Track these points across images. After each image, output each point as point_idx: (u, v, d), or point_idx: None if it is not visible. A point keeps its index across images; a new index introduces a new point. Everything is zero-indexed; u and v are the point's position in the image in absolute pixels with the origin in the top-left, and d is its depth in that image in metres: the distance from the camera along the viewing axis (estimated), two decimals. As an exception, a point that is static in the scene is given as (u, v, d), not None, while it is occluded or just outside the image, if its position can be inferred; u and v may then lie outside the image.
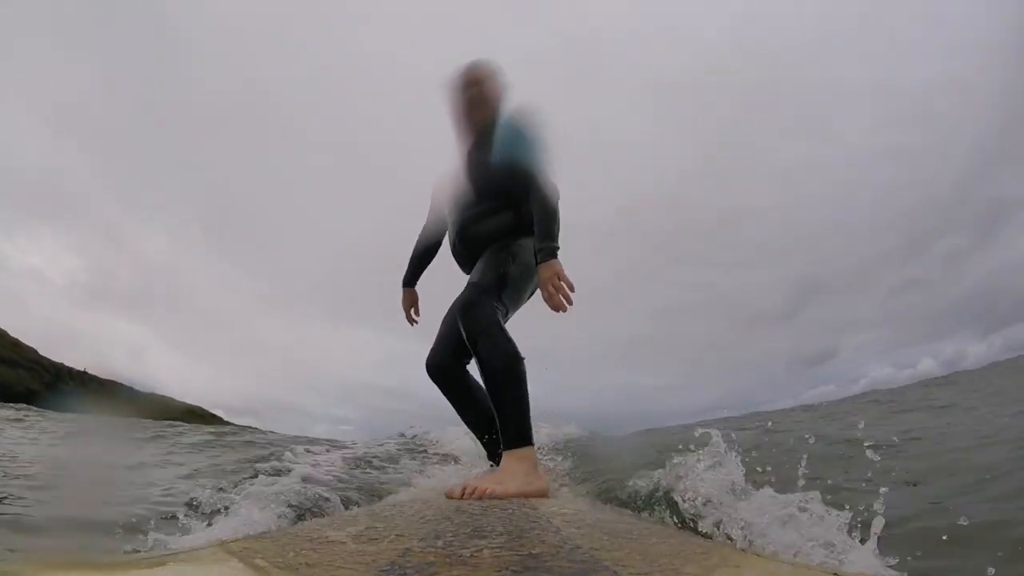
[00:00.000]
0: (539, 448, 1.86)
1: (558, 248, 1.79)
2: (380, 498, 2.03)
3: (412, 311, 2.37)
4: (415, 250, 2.37)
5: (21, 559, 1.01)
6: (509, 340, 1.76)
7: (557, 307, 1.77)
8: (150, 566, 0.65)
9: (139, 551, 1.06)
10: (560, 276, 1.75)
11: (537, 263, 1.80)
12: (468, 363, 2.11)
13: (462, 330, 1.80)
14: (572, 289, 1.75)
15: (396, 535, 0.81)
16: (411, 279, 2.38)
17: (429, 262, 2.39)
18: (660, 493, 1.67)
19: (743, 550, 0.94)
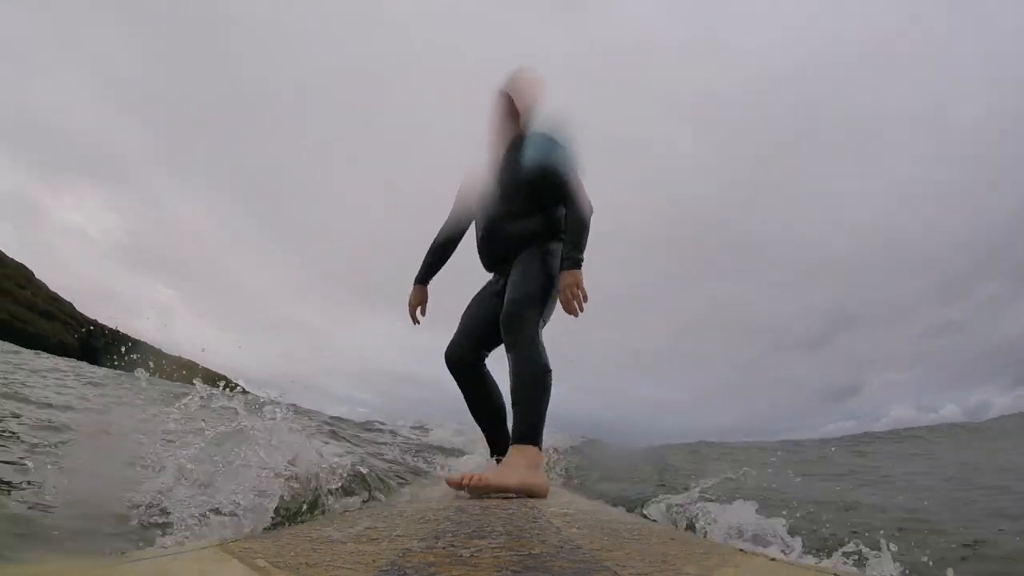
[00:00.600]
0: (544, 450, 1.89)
1: (583, 260, 1.92)
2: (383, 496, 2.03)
3: (419, 310, 2.30)
4: (432, 247, 2.32)
5: (23, 548, 1.01)
6: (542, 353, 1.87)
7: (571, 312, 1.92)
8: (150, 566, 0.65)
9: (139, 550, 1.06)
10: (579, 285, 1.89)
11: (562, 269, 1.92)
12: (487, 357, 2.14)
13: (504, 341, 1.90)
14: (586, 299, 1.90)
15: (396, 535, 0.81)
16: (424, 276, 2.32)
17: (446, 260, 2.34)
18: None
19: (743, 550, 0.94)
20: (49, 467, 1.52)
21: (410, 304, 2.31)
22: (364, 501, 1.91)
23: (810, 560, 1.49)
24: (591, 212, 1.96)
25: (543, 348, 1.88)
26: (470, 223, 2.28)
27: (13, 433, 2.07)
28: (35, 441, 1.97)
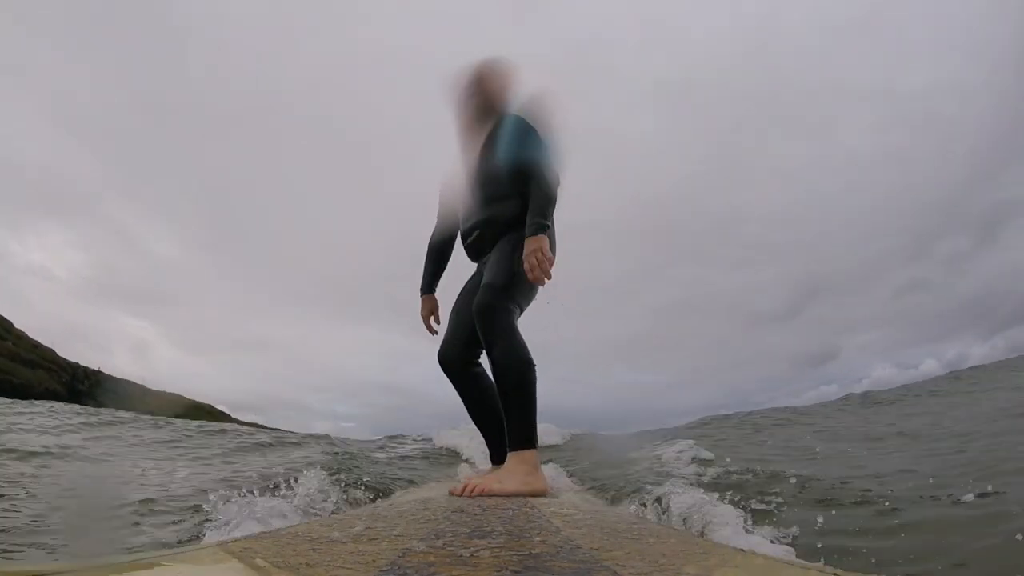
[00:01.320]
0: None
1: (547, 226, 1.85)
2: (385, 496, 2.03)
3: (432, 319, 2.29)
4: (428, 255, 2.31)
5: (24, 548, 1.01)
6: (522, 346, 1.83)
7: (536, 279, 1.82)
8: (150, 566, 0.65)
9: (139, 550, 1.06)
10: (543, 251, 1.80)
11: (526, 236, 1.84)
12: (480, 356, 2.12)
13: (479, 333, 1.86)
14: (551, 264, 1.82)
15: (396, 535, 0.81)
16: (429, 286, 2.31)
17: (444, 266, 2.33)
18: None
19: (743, 550, 0.94)
20: (50, 479, 1.53)
21: (422, 316, 2.29)
22: (371, 500, 1.93)
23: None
24: (558, 184, 1.92)
25: (521, 340, 1.84)
26: (456, 221, 2.25)
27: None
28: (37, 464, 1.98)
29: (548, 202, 1.87)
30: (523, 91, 2.09)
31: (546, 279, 1.82)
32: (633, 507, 2.04)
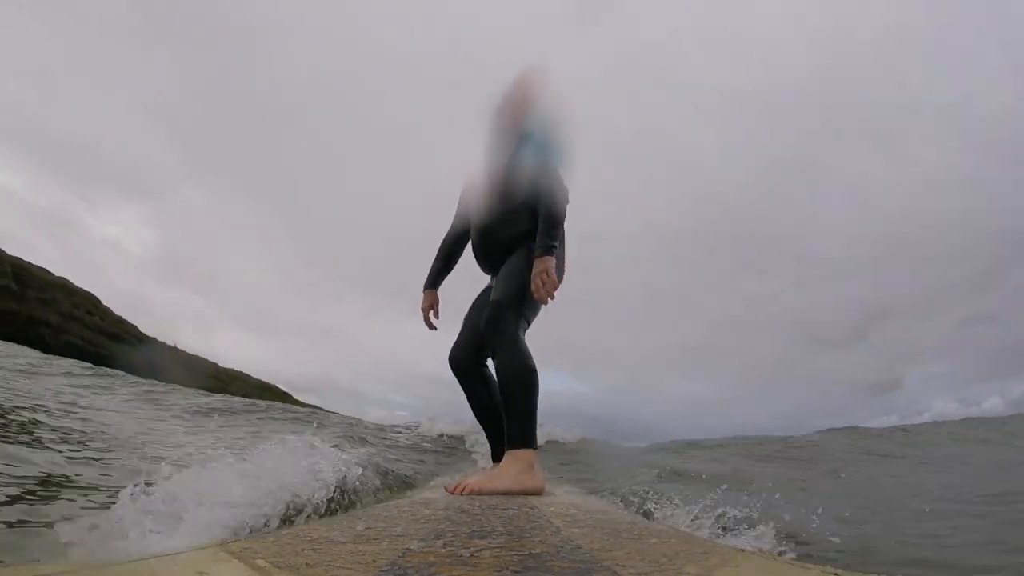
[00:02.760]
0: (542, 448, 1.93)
1: (555, 247, 1.92)
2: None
3: (431, 314, 2.33)
4: (440, 251, 2.35)
5: (25, 547, 1.02)
6: (526, 354, 1.90)
7: (540, 299, 1.92)
8: (150, 566, 0.65)
9: (139, 550, 1.06)
10: (548, 272, 1.89)
11: (535, 256, 1.91)
12: (487, 360, 2.18)
13: (486, 342, 1.96)
14: (556, 286, 1.91)
15: (396, 535, 0.81)
16: (434, 281, 2.35)
17: (454, 264, 2.36)
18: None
19: (743, 550, 0.93)
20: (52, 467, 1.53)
21: (423, 309, 2.32)
22: (377, 496, 1.94)
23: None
24: (567, 203, 1.98)
25: (525, 348, 1.91)
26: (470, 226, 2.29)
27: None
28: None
29: (556, 222, 1.94)
30: (550, 99, 2.10)
31: (550, 300, 1.91)
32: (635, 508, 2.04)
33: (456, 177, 2.38)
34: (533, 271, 1.90)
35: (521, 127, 2.10)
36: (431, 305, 2.33)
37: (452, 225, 2.35)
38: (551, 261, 1.89)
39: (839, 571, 0.65)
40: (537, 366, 1.89)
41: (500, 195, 2.07)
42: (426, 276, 2.34)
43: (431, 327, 2.32)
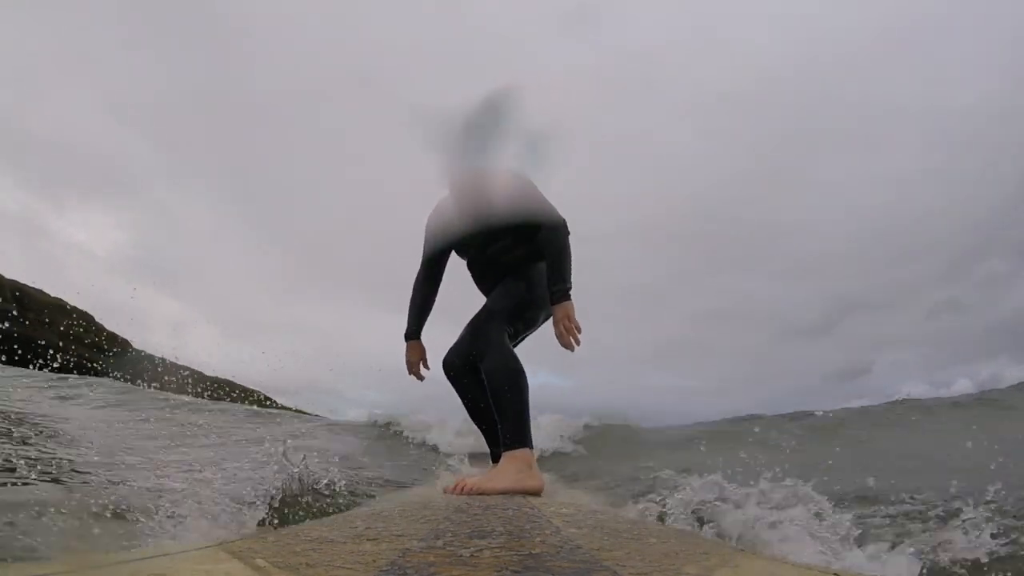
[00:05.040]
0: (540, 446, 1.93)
1: (569, 289, 1.89)
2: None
3: (420, 365, 2.24)
4: (414, 299, 2.24)
5: (24, 547, 1.01)
6: (512, 356, 1.89)
7: (566, 346, 1.89)
8: (150, 566, 0.65)
9: (139, 550, 1.06)
10: (571, 318, 1.87)
11: (552, 303, 1.90)
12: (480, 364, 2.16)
13: (474, 350, 1.95)
14: (580, 331, 1.89)
15: (396, 535, 0.81)
16: (415, 330, 2.24)
17: (430, 308, 2.27)
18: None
19: (742, 550, 0.94)
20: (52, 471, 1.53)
21: (409, 362, 2.24)
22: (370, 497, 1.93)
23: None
24: (566, 233, 1.95)
25: (510, 351, 1.91)
26: (444, 259, 2.25)
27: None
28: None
29: (563, 260, 1.91)
30: (528, 116, 1.98)
31: (576, 346, 1.88)
32: (639, 507, 2.03)
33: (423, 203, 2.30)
34: (554, 317, 1.89)
35: (493, 146, 2.00)
36: (419, 356, 2.23)
37: (422, 266, 2.25)
38: (570, 307, 1.88)
39: (839, 571, 0.65)
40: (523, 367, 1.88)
41: (478, 216, 2.04)
42: (406, 325, 2.24)
43: (420, 379, 2.24)
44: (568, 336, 1.87)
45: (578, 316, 1.91)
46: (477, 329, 1.97)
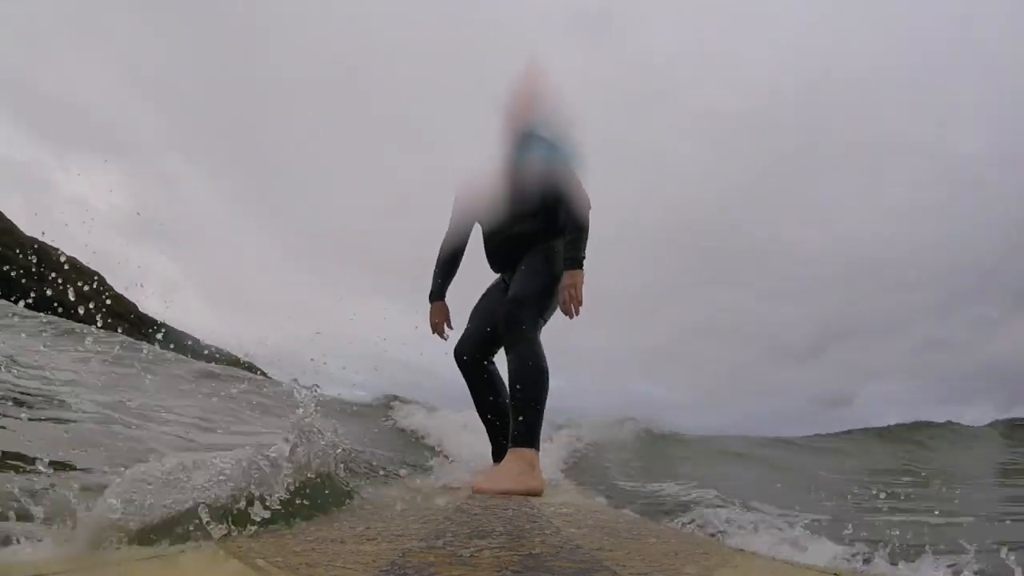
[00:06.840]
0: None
1: (583, 259, 1.93)
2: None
3: (444, 326, 2.29)
4: (439, 261, 2.30)
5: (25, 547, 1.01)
6: (540, 355, 1.90)
7: (567, 313, 1.94)
8: (150, 566, 0.65)
9: (139, 550, 1.06)
10: (577, 287, 1.90)
11: (563, 269, 1.93)
12: (493, 355, 2.17)
13: (504, 339, 1.95)
14: (581, 303, 1.92)
15: (396, 535, 0.81)
16: (440, 292, 2.30)
17: (455, 272, 2.32)
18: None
19: (742, 550, 0.94)
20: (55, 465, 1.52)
21: (433, 323, 2.29)
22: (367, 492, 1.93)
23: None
24: (589, 210, 1.96)
25: (541, 349, 1.91)
26: (470, 230, 2.27)
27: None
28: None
29: (581, 231, 1.93)
30: (555, 96, 2.08)
31: (575, 315, 1.92)
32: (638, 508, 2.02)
33: (450, 178, 2.35)
34: (562, 283, 1.90)
35: (529, 124, 2.08)
36: (443, 318, 2.29)
37: (449, 233, 2.30)
38: (580, 275, 1.90)
39: (839, 571, 0.65)
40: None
41: (512, 194, 2.05)
42: (430, 287, 2.29)
43: (444, 338, 2.28)
44: (570, 304, 1.90)
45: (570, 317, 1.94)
46: (509, 319, 1.92)
